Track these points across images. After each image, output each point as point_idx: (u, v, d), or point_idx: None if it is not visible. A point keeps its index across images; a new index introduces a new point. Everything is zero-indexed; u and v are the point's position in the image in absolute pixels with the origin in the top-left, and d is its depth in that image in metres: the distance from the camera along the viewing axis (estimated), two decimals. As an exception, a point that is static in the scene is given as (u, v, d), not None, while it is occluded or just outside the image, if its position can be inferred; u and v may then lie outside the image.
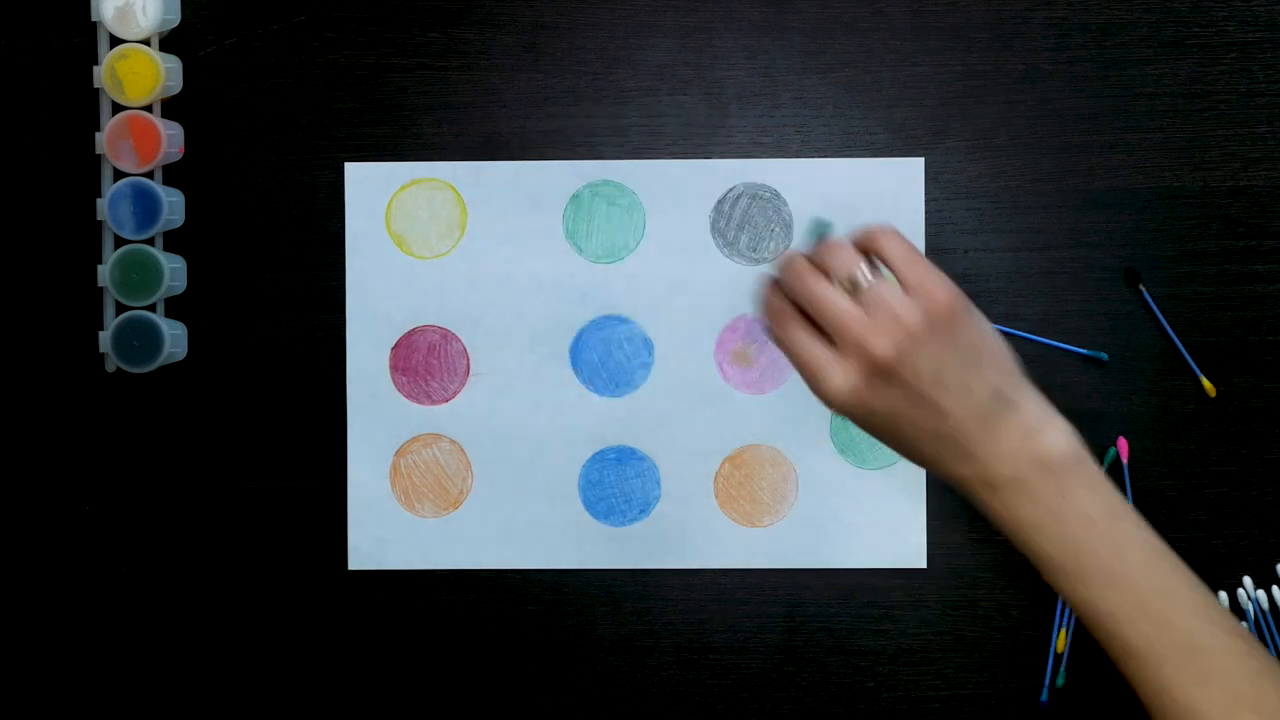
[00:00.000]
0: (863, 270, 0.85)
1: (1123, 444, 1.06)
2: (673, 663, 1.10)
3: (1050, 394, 1.05)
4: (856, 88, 1.08)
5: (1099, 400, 1.07)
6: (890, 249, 0.86)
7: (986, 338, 0.85)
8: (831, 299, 0.85)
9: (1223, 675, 0.82)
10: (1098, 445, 1.05)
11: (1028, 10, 1.08)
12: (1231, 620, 0.85)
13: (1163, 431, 1.07)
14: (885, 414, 0.85)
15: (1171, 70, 1.07)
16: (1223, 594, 1.06)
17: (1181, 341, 1.06)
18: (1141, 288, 1.07)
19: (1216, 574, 1.06)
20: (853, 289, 0.85)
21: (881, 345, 0.83)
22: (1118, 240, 1.07)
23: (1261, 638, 1.06)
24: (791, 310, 0.87)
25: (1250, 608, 1.06)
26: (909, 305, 0.83)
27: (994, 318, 1.06)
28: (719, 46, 1.09)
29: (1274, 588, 1.06)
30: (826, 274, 0.86)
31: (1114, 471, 1.06)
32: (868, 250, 0.86)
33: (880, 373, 0.83)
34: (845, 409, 0.85)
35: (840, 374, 0.84)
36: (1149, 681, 0.84)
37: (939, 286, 0.84)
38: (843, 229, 1.06)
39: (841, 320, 0.84)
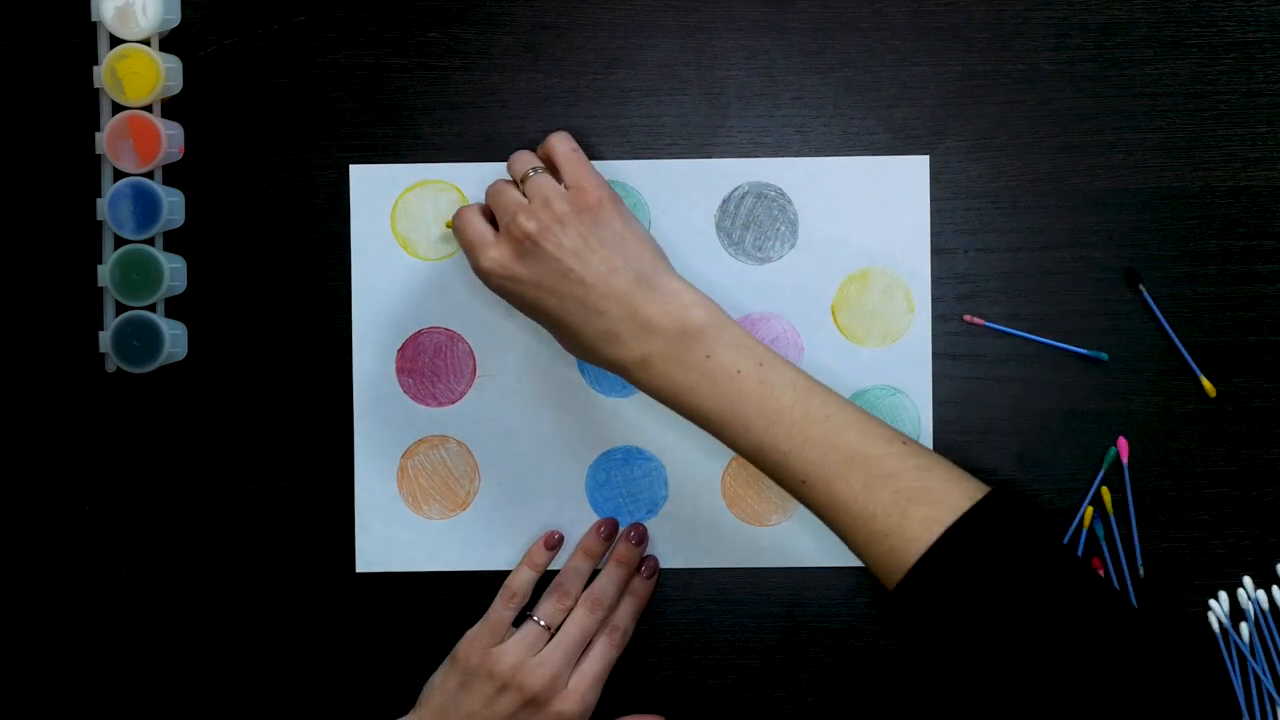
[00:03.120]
0: (533, 166, 1.01)
1: (1123, 444, 1.06)
2: (673, 663, 1.10)
3: (1050, 394, 1.07)
4: (856, 88, 1.08)
5: (1099, 400, 1.07)
6: (555, 149, 1.02)
7: (631, 231, 0.99)
8: (502, 189, 1.01)
9: (888, 477, 0.91)
10: (1098, 445, 1.06)
11: (1028, 10, 1.08)
12: (889, 428, 0.94)
13: (1163, 431, 1.07)
14: (531, 283, 0.97)
15: (1171, 70, 1.07)
16: (1223, 594, 1.06)
17: (1181, 341, 1.07)
18: (1141, 288, 1.07)
19: (1216, 574, 1.07)
20: (524, 181, 1.00)
21: (528, 222, 0.97)
22: (1118, 240, 1.07)
23: (1261, 638, 1.06)
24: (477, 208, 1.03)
25: (1250, 608, 1.06)
26: (559, 193, 0.98)
27: (994, 318, 1.07)
28: (719, 46, 1.08)
29: (1274, 588, 1.06)
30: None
31: (1114, 471, 1.06)
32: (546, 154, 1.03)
33: (526, 246, 0.97)
34: (495, 278, 0.98)
35: (493, 248, 0.98)
36: (827, 503, 0.93)
37: (589, 182, 0.99)
38: (845, 228, 1.07)
39: (501, 202, 1.00)
